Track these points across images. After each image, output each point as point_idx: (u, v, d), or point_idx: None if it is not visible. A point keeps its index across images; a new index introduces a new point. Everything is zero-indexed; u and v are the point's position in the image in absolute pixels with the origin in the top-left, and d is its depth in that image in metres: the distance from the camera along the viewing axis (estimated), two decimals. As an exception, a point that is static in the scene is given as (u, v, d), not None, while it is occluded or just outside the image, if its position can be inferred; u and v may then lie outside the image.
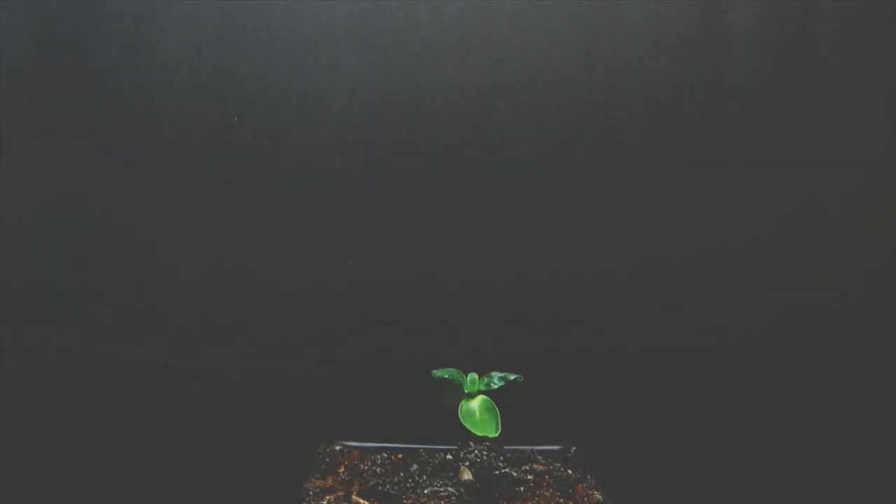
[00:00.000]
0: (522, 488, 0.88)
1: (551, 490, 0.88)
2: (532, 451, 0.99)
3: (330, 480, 0.91)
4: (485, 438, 0.87)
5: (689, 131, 1.12)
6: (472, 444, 0.95)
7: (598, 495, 0.88)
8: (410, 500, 0.85)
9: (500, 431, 0.85)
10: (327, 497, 0.86)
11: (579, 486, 0.90)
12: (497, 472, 0.92)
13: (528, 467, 0.94)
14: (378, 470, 0.93)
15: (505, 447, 0.98)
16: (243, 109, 1.10)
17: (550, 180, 1.12)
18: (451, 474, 0.90)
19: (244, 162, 1.10)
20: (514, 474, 0.92)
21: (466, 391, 0.89)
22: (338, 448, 1.00)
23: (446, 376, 0.90)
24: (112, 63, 1.08)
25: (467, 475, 0.89)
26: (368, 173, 1.11)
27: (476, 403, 0.87)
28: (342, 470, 0.94)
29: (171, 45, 1.09)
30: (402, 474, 0.91)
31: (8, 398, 1.09)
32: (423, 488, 0.88)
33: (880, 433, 1.14)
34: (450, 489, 0.87)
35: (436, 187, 1.11)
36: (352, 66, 1.10)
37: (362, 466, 0.94)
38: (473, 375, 0.90)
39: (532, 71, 1.11)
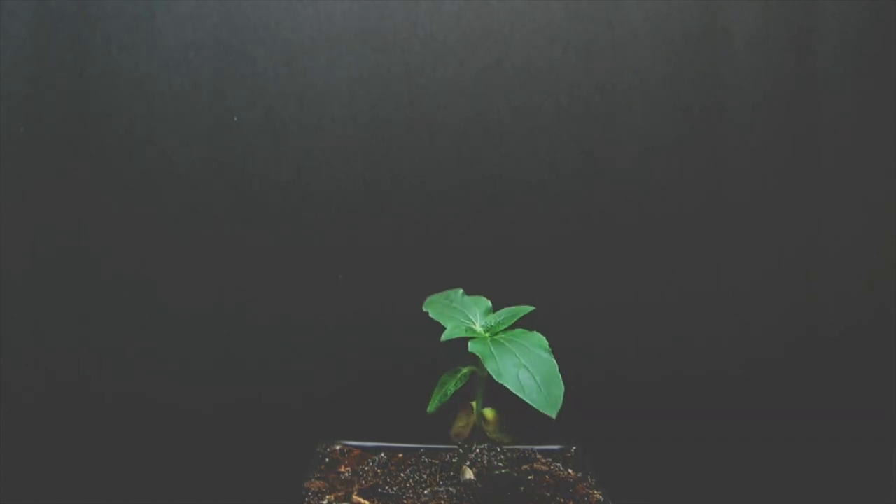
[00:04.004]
0: (523, 488, 0.88)
1: (551, 490, 0.88)
2: (532, 450, 0.99)
3: (330, 480, 0.91)
4: (485, 438, 0.87)
5: (688, 131, 1.12)
6: (472, 444, 0.95)
7: (598, 495, 0.88)
8: (410, 501, 0.85)
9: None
10: (327, 497, 0.86)
11: (579, 486, 0.90)
12: (498, 471, 0.92)
13: (528, 467, 0.94)
14: (378, 470, 0.93)
15: (505, 447, 0.98)
16: (243, 109, 1.10)
17: (550, 181, 1.12)
18: (452, 474, 0.90)
19: (244, 161, 1.10)
20: (515, 474, 0.92)
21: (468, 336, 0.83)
22: (338, 448, 1.00)
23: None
24: (111, 63, 1.08)
25: (469, 475, 0.89)
26: (368, 173, 1.11)
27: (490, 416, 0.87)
28: (342, 470, 0.94)
29: (171, 45, 1.09)
30: (402, 474, 0.91)
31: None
32: (424, 488, 0.88)
33: (872, 439, 1.15)
34: (450, 489, 0.87)
35: (435, 187, 1.11)
36: (351, 66, 1.10)
37: (363, 466, 0.94)
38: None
39: (532, 70, 1.11)
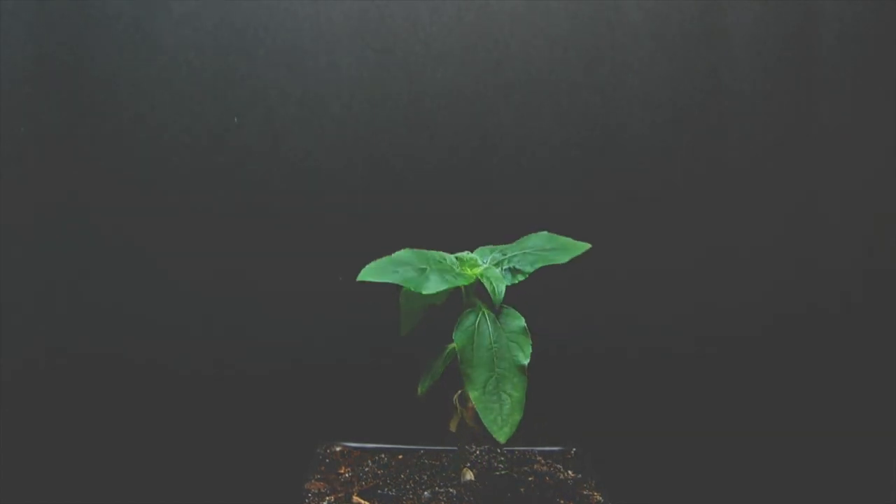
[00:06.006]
0: (523, 489, 0.88)
1: (551, 491, 0.89)
2: (532, 451, 0.99)
3: (330, 481, 0.91)
4: (485, 440, 0.86)
5: (688, 131, 1.12)
6: (472, 445, 0.95)
7: (598, 496, 0.88)
8: (411, 502, 0.85)
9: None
10: (327, 498, 0.86)
11: (579, 487, 0.90)
12: (498, 473, 0.92)
13: (528, 468, 0.94)
14: (378, 471, 0.93)
15: (505, 448, 0.98)
16: (243, 110, 1.10)
17: (550, 181, 1.12)
18: (452, 475, 0.90)
19: (244, 163, 1.10)
20: (515, 475, 0.92)
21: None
22: (338, 449, 1.00)
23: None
24: (112, 64, 1.08)
25: (469, 476, 0.89)
26: (368, 174, 1.11)
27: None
28: (342, 471, 0.94)
29: (171, 46, 1.09)
30: (402, 475, 0.91)
31: (10, 399, 1.10)
32: (424, 489, 0.88)
33: (875, 433, 1.15)
34: (450, 490, 0.87)
35: (435, 188, 1.11)
36: (351, 67, 1.10)
37: (363, 467, 0.94)
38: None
39: (532, 71, 1.11)
